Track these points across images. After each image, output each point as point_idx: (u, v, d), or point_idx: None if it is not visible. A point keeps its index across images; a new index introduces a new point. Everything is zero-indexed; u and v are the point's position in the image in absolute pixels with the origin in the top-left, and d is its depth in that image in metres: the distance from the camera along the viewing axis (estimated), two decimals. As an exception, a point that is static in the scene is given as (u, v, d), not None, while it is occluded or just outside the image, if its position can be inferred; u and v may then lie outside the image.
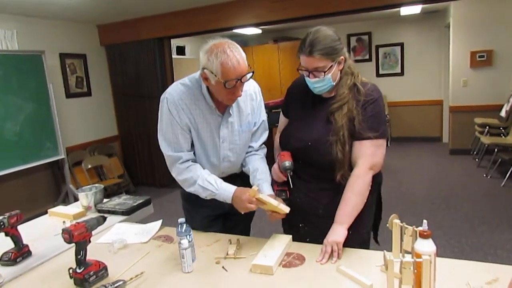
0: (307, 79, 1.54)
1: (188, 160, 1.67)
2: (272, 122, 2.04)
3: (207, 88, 1.60)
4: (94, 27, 5.54)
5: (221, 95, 1.55)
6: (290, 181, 1.64)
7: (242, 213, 1.58)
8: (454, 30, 5.95)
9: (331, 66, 1.47)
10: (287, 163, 1.57)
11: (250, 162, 1.79)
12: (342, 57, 1.50)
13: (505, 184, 4.65)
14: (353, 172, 1.49)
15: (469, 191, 4.62)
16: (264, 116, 1.83)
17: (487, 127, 5.45)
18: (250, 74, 1.53)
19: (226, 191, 1.61)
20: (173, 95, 1.62)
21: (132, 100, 5.66)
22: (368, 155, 1.48)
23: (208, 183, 1.62)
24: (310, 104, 1.61)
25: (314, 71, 1.48)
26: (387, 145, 1.57)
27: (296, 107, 1.68)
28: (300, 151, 1.60)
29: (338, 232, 1.45)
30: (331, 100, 1.54)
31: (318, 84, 1.52)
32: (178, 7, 4.84)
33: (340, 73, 1.54)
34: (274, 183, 1.62)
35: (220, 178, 1.68)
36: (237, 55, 1.47)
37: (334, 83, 1.53)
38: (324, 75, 1.47)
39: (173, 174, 1.70)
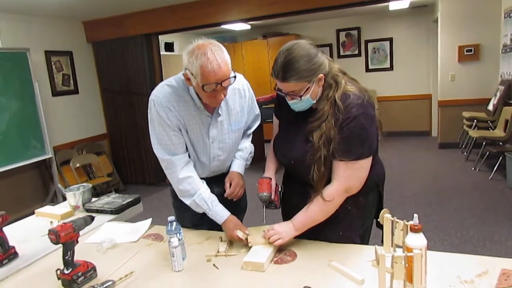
0: (286, 98, 1.46)
1: (187, 165, 1.64)
2: (263, 118, 2.04)
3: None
4: (80, 23, 5.45)
5: (203, 97, 1.53)
6: (279, 199, 1.66)
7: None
8: (442, 25, 5.99)
9: (308, 87, 1.36)
10: (264, 195, 1.58)
11: None
12: (320, 75, 1.37)
13: (493, 177, 4.70)
14: (328, 190, 1.42)
15: (458, 184, 4.67)
16: (257, 109, 1.86)
17: (475, 120, 5.50)
18: (232, 79, 1.48)
19: (218, 215, 1.62)
20: (160, 97, 1.58)
21: (121, 97, 5.59)
22: (343, 177, 1.41)
23: (204, 202, 1.62)
24: (295, 112, 1.52)
25: (290, 93, 1.39)
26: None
27: (284, 111, 1.59)
28: (286, 166, 1.63)
29: (289, 233, 1.48)
30: (313, 114, 1.43)
31: (297, 105, 1.43)
32: (165, 2, 4.78)
33: (323, 87, 1.42)
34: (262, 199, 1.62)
35: (210, 177, 1.71)
36: (218, 58, 1.41)
37: (315, 101, 1.42)
38: (301, 98, 1.38)
39: (171, 182, 1.68)
